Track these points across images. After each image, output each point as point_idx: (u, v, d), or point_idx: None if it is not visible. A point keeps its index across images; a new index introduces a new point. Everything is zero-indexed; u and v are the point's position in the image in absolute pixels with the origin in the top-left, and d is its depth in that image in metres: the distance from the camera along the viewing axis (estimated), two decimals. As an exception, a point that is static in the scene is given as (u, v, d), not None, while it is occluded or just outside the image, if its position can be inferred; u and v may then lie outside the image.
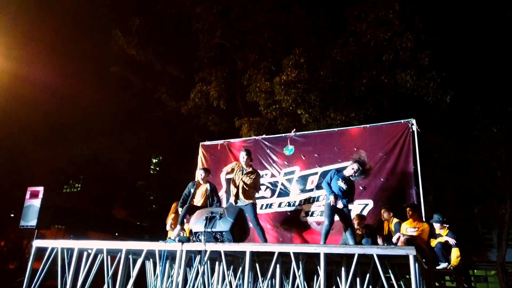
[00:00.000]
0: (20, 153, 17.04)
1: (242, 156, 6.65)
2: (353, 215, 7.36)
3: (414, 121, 7.63)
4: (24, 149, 17.15)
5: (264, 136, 8.92)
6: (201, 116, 15.54)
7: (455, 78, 13.64)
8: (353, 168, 6.55)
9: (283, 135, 8.79)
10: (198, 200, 7.09)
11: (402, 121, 7.76)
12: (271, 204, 8.24)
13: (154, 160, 24.23)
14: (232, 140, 9.19)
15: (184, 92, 15.42)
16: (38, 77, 14.12)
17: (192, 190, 7.33)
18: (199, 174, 7.31)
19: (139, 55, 15.18)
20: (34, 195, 7.94)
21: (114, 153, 19.50)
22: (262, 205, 8.26)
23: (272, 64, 14.03)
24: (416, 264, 3.96)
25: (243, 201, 6.38)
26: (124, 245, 5.28)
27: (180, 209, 6.92)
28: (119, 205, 21.42)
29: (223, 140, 9.20)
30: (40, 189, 7.91)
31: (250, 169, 6.71)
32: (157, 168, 23.65)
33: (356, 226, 7.00)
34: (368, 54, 13.21)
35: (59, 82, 14.56)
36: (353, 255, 4.25)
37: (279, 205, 8.17)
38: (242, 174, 6.59)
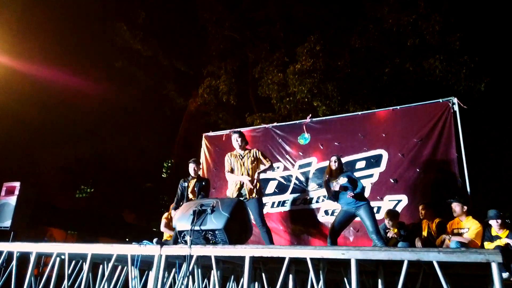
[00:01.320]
0: (24, 153, 16.03)
1: (235, 139, 5.41)
2: (383, 213, 5.90)
3: (455, 100, 6.15)
4: (29, 149, 16.14)
5: (275, 124, 7.53)
6: (211, 113, 14.27)
7: (490, 63, 11.98)
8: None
9: (298, 122, 7.39)
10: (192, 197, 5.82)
11: (441, 100, 6.28)
12: (283, 202, 6.82)
13: (165, 164, 23.05)
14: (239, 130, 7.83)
15: (192, 88, 14.21)
16: (39, 73, 13.10)
17: (186, 185, 6.06)
18: (192, 168, 5.98)
19: (145, 50, 14.05)
20: (10, 191, 6.70)
21: (123, 154, 18.34)
22: (273, 203, 6.86)
23: (285, 55, 12.68)
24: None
25: (245, 195, 5.06)
26: (90, 249, 3.96)
27: (173, 212, 5.66)
28: (130, 209, 20.24)
29: (229, 130, 7.84)
30: (17, 184, 6.66)
31: (247, 151, 5.42)
32: (169, 171, 22.45)
33: (387, 225, 5.53)
34: (391, 40, 11.77)
35: (62, 78, 13.49)
36: (398, 262, 2.82)
37: (293, 203, 6.74)
38: (241, 160, 5.28)
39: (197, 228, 3.51)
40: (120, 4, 13.73)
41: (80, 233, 22.36)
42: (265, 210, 6.71)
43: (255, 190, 5.09)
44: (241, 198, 4.95)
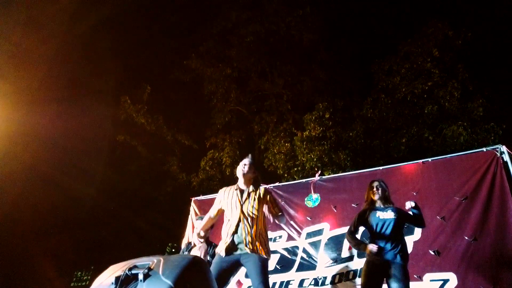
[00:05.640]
0: (21, 243, 14.63)
1: (243, 165, 3.55)
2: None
3: (504, 148, 4.71)
4: (25, 238, 14.74)
5: (277, 184, 6.05)
6: (214, 189, 12.80)
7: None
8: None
9: (304, 180, 5.92)
10: None
11: (485, 149, 4.85)
12: (287, 283, 5.04)
13: (168, 249, 20.98)
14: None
15: (195, 163, 12.97)
16: (34, 148, 12.15)
17: None
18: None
19: (148, 124, 13.21)
20: None
21: (122, 239, 16.55)
22: (274, 284, 5.08)
23: (293, 126, 11.61)
24: None
25: (244, 250, 3.30)
26: None
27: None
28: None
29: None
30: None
31: (254, 189, 3.51)
32: (173, 250, 20.27)
33: None
34: (405, 110, 10.68)
35: (55, 153, 12.47)
36: None
37: (301, 284, 4.95)
38: (241, 198, 3.46)
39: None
40: (125, 78, 13.30)
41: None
42: (263, 294, 4.93)
43: (260, 247, 3.33)
44: (236, 253, 3.33)
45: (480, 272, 4.16)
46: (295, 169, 10.12)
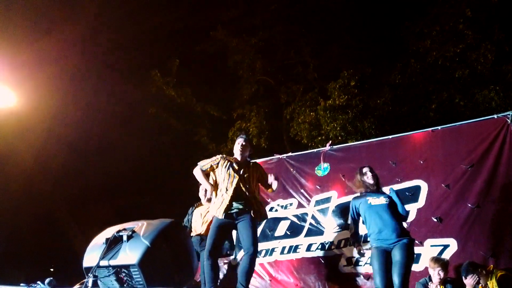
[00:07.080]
0: (60, 210, 15.95)
1: (239, 143, 3.95)
2: (426, 260, 4.34)
3: (515, 114, 4.66)
4: (65, 206, 16.04)
5: (290, 154, 6.31)
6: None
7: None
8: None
9: (315, 150, 6.13)
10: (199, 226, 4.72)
11: (496, 116, 4.82)
12: (296, 247, 5.38)
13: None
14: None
15: (225, 133, 13.40)
16: (72, 122, 13.02)
17: (190, 217, 4.97)
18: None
19: (178, 96, 13.70)
20: None
21: (159, 204, 17.61)
22: (284, 248, 5.45)
23: (319, 94, 11.62)
24: None
25: (239, 211, 3.69)
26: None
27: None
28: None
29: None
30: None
31: (247, 161, 4.00)
32: None
33: (435, 277, 3.97)
34: (436, 74, 10.38)
35: (94, 126, 13.32)
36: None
37: (308, 248, 5.28)
38: (236, 166, 3.85)
39: (104, 263, 2.32)
40: (154, 53, 13.76)
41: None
42: (273, 258, 5.35)
43: (253, 207, 3.74)
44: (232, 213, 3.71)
45: (480, 239, 4.28)
46: (319, 138, 10.26)
